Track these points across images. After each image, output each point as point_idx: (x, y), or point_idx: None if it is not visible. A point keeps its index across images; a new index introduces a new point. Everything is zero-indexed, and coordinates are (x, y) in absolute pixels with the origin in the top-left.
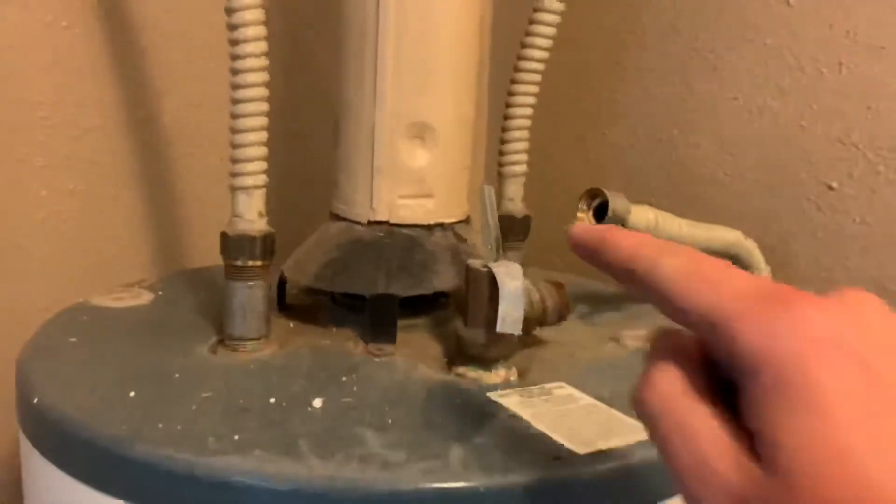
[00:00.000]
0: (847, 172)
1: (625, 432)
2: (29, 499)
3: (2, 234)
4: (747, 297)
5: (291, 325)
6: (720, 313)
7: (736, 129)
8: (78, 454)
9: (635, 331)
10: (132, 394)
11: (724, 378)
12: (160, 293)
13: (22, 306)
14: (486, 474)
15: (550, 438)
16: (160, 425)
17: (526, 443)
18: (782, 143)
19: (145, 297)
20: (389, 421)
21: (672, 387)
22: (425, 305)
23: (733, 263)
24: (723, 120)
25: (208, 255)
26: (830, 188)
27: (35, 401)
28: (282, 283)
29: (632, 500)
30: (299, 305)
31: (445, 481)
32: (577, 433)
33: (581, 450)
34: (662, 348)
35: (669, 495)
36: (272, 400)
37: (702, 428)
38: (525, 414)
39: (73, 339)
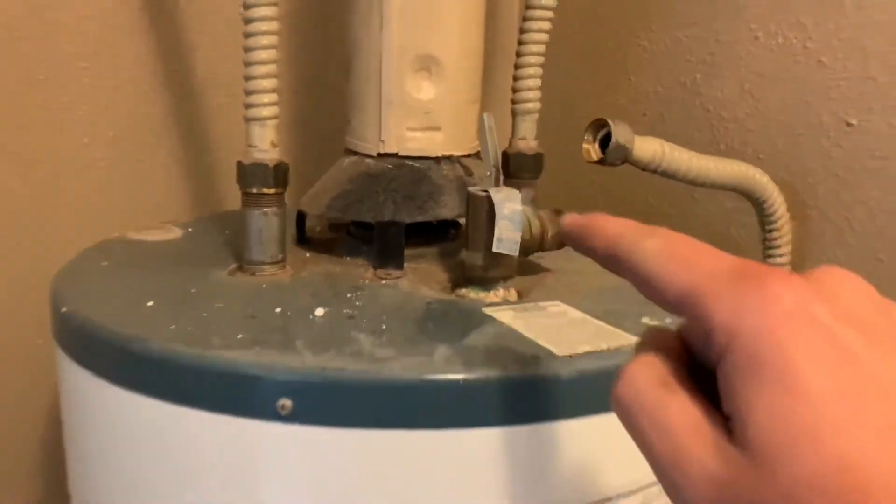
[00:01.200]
0: (867, 107)
1: (610, 340)
2: (63, 401)
3: (47, 181)
4: (720, 275)
5: (308, 255)
6: (694, 292)
7: (757, 69)
8: (98, 353)
9: None
10: (150, 303)
11: (705, 368)
12: (190, 230)
13: (65, 253)
14: (467, 369)
15: (535, 343)
16: (172, 327)
17: (510, 346)
18: (802, 80)
19: (176, 233)
20: (384, 327)
21: (646, 378)
22: (435, 235)
23: (747, 198)
24: (745, 61)
25: None
26: (849, 125)
27: (63, 310)
28: (301, 216)
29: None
30: (317, 239)
31: (428, 374)
32: (562, 340)
33: (561, 352)
34: (643, 343)
35: None
36: (278, 310)
37: (676, 415)
38: (516, 325)
39: (104, 264)
